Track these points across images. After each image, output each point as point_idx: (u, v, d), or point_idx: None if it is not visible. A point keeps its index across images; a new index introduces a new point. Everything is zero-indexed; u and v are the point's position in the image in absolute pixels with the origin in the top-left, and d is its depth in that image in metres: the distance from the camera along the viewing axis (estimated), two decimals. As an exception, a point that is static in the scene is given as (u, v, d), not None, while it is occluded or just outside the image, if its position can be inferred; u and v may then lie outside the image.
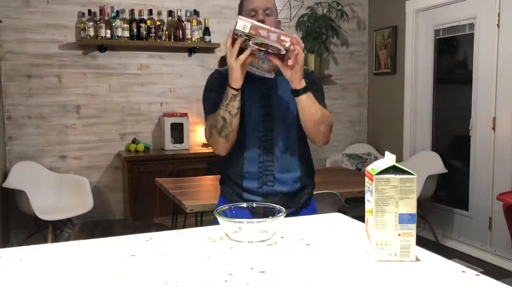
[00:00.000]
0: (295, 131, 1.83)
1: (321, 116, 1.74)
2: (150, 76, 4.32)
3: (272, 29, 1.54)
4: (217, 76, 1.89)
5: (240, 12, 1.86)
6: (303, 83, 1.66)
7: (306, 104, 1.69)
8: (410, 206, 1.10)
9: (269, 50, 1.58)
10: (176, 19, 4.26)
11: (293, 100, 1.74)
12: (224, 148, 1.79)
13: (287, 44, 1.54)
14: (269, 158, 1.81)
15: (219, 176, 1.98)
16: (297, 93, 1.68)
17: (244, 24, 1.52)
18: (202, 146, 4.40)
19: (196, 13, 4.31)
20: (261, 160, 1.81)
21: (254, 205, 1.42)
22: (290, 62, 1.59)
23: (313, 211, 1.93)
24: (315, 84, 1.84)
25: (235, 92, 1.70)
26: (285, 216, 1.30)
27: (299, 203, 1.86)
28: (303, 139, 1.87)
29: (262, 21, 1.72)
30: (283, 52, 1.56)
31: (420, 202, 4.07)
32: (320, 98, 1.82)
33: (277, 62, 1.61)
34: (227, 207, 1.40)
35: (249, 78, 1.76)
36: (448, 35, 4.17)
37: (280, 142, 1.81)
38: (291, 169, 1.83)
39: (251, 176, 1.81)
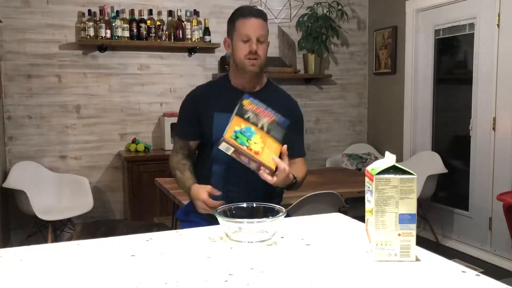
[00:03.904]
0: None
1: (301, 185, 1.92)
2: (150, 76, 4.32)
3: (254, 158, 1.57)
4: (191, 98, 2.00)
5: (231, 32, 1.90)
6: (287, 183, 1.73)
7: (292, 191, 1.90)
8: (410, 206, 1.10)
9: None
10: (176, 19, 4.26)
11: None
12: None
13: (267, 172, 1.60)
14: (235, 189, 1.89)
15: None
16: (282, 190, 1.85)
17: (226, 147, 1.57)
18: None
19: (196, 13, 4.31)
20: (226, 189, 1.88)
21: (254, 205, 1.42)
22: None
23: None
24: (296, 122, 1.99)
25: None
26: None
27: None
28: None
29: (255, 52, 1.82)
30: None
31: (420, 202, 4.07)
32: (298, 139, 2.02)
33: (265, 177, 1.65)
34: (227, 207, 1.40)
35: (224, 102, 1.88)
36: (448, 35, 4.17)
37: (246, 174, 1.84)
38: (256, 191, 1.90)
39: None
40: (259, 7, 2.05)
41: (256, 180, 1.65)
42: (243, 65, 1.85)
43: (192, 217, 1.97)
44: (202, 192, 1.74)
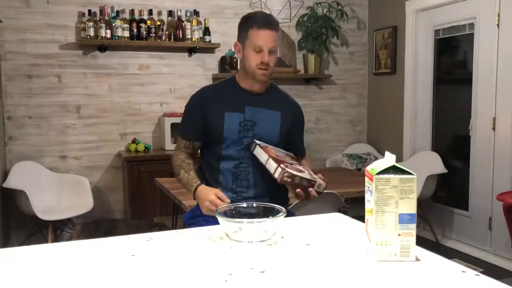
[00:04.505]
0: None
1: None
2: (150, 76, 4.32)
3: (314, 177, 1.85)
4: (197, 98, 2.05)
5: (243, 39, 1.89)
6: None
7: None
8: (410, 206, 1.10)
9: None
10: (176, 19, 4.26)
11: (274, 128, 1.95)
12: None
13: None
14: (244, 185, 1.93)
15: None
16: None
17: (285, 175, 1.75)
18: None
19: (196, 13, 4.31)
20: (235, 186, 1.94)
21: (254, 205, 1.42)
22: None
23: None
24: (300, 123, 2.12)
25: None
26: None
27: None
28: None
29: (267, 63, 1.85)
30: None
31: (420, 202, 4.07)
32: (301, 140, 2.15)
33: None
34: (228, 207, 1.40)
35: (232, 102, 1.93)
36: (448, 35, 4.17)
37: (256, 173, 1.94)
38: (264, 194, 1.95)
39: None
40: (267, 11, 2.13)
41: (264, 177, 1.83)
42: (254, 73, 1.90)
43: (200, 220, 1.96)
44: (211, 193, 1.78)
